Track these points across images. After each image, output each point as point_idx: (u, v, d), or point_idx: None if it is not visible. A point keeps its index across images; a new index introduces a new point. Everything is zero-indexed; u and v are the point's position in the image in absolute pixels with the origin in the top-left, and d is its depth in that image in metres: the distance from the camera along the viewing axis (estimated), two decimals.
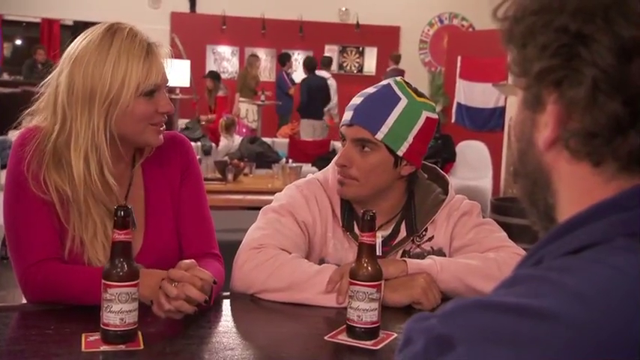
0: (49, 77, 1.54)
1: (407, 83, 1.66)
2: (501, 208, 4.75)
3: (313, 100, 8.98)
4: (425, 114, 1.62)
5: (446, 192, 1.72)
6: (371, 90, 1.64)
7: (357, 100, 1.63)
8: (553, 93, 0.59)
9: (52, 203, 1.48)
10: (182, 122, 8.31)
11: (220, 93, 9.47)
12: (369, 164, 1.60)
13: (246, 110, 9.57)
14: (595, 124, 0.57)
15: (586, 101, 0.56)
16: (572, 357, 0.49)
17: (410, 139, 1.60)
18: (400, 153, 1.61)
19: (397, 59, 10.30)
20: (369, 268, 1.34)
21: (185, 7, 11.45)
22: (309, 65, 9.24)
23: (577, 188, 0.61)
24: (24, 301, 1.55)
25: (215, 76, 9.64)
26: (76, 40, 1.52)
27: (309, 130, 9.15)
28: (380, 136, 1.58)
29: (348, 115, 1.62)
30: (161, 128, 1.55)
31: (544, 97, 0.60)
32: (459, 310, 0.55)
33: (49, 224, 1.49)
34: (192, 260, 1.41)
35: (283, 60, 10.24)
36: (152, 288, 1.37)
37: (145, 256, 1.54)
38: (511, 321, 0.52)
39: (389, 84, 1.64)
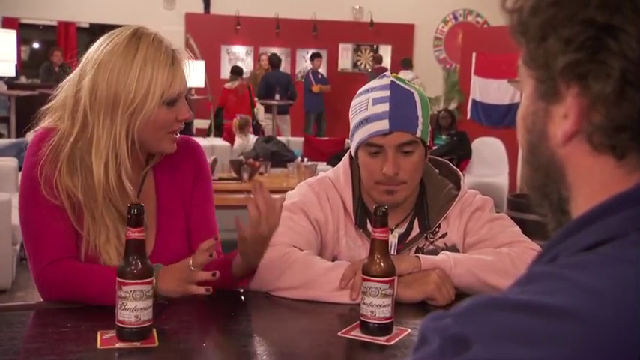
0: (67, 79, 1.53)
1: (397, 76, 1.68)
2: (518, 205, 4.72)
3: (270, 93, 9.54)
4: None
5: (458, 187, 1.71)
6: (382, 94, 1.59)
7: (380, 107, 1.58)
8: (574, 86, 0.58)
9: (64, 208, 1.49)
10: (197, 122, 8.34)
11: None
12: (413, 164, 1.61)
13: (257, 109, 9.64)
14: (624, 117, 0.56)
15: (614, 95, 0.55)
16: (588, 353, 0.49)
17: (429, 125, 1.63)
18: (428, 142, 1.63)
19: (379, 60, 10.83)
20: (382, 264, 1.34)
21: (199, 8, 11.49)
22: (274, 61, 10.08)
23: (596, 181, 0.59)
24: (41, 299, 1.56)
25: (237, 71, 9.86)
26: (98, 43, 1.50)
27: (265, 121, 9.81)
28: (418, 133, 1.60)
29: (381, 125, 1.57)
30: (176, 136, 1.55)
31: (561, 89, 0.59)
32: (474, 309, 0.55)
33: (63, 224, 1.49)
34: (212, 240, 1.40)
35: (312, 58, 10.82)
36: (171, 282, 1.39)
37: (157, 257, 1.54)
38: (526, 319, 0.51)
39: (393, 82, 1.61)
